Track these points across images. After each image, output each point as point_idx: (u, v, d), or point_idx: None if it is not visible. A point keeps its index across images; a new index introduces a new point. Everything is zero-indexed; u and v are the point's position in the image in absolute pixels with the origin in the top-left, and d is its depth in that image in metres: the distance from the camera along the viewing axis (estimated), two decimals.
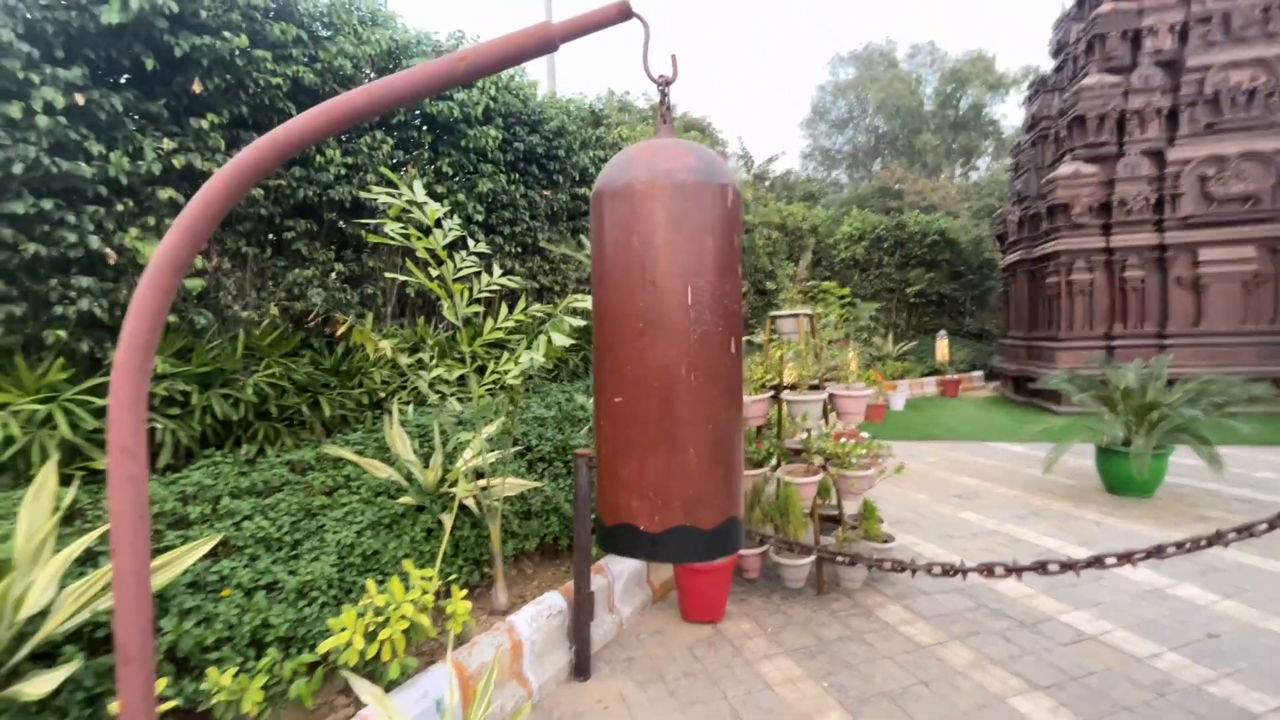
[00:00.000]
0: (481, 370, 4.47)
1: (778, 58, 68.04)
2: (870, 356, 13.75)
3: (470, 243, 3.66)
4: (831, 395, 4.09)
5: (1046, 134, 12.54)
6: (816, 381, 4.09)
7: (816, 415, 3.95)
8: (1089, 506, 5.58)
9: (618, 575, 3.57)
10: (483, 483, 3.38)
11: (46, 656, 2.15)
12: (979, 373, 15.56)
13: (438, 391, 3.64)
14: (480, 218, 5.34)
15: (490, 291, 3.45)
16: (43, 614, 2.15)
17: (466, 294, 3.27)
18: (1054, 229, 11.33)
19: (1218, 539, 2.26)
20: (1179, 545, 2.27)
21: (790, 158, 48.39)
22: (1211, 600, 3.71)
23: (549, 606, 3.08)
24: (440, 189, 5.07)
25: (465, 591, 2.90)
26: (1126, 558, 2.34)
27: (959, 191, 28.37)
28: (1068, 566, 2.40)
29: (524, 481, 3.56)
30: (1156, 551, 2.31)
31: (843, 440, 3.90)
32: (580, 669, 3.06)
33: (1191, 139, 10.41)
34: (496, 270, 3.65)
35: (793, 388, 4.03)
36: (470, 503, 3.36)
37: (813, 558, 3.75)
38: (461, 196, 5.14)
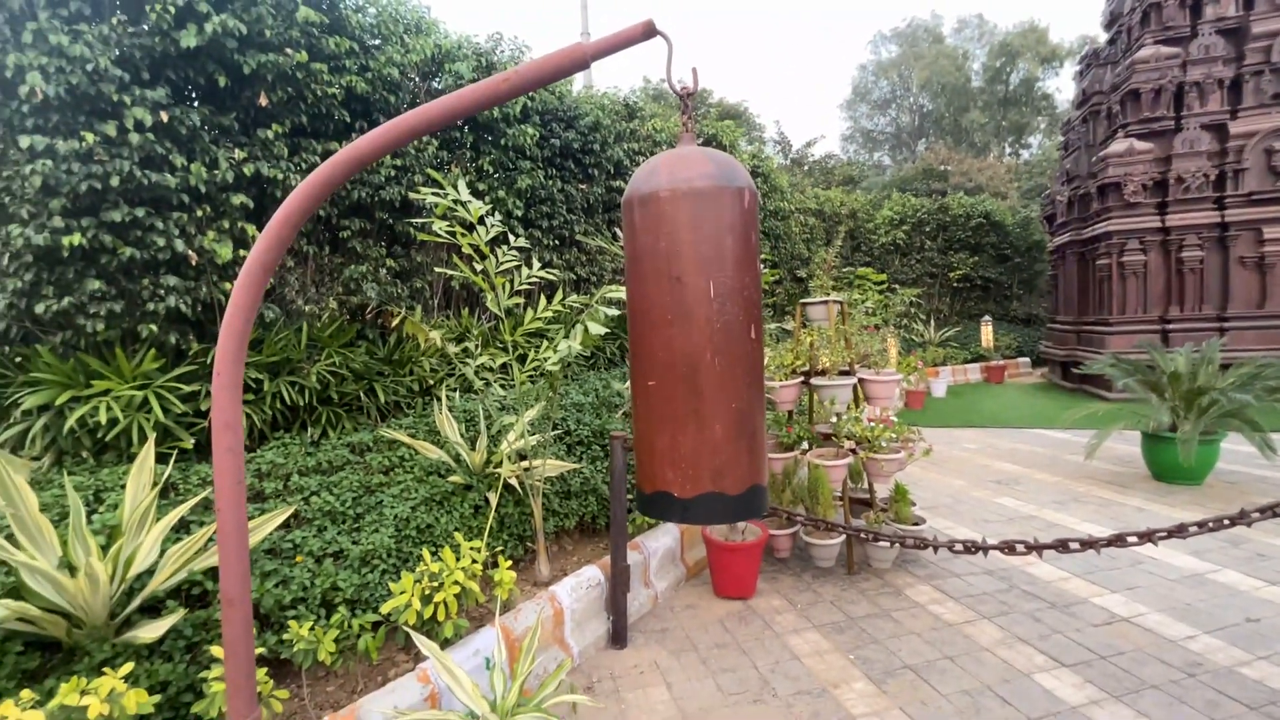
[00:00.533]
0: (523, 358, 4.70)
1: (818, 38, 66.40)
2: (911, 343, 13.53)
3: (511, 238, 3.88)
4: (861, 380, 4.16)
5: (1098, 110, 12.03)
6: (846, 367, 4.17)
7: (845, 400, 4.03)
8: (1133, 493, 5.49)
9: (653, 552, 3.76)
10: (525, 464, 3.61)
11: (152, 609, 2.47)
12: (1026, 358, 15.13)
13: (482, 379, 3.88)
14: (520, 213, 5.56)
15: (530, 284, 3.66)
16: (148, 573, 2.47)
17: (508, 286, 3.48)
18: (1105, 209, 10.91)
19: (1241, 518, 2.29)
20: (1200, 524, 2.31)
21: (830, 141, 47.36)
22: (1254, 586, 3.67)
23: (588, 579, 3.29)
24: (481, 186, 5.30)
25: (510, 563, 3.14)
26: (1147, 536, 2.39)
27: (1008, 171, 27.35)
28: (1088, 544, 2.47)
29: (563, 463, 3.78)
30: (1178, 530, 2.36)
31: (871, 424, 3.98)
32: (617, 638, 3.27)
33: (1257, 110, 9.85)
34: (535, 263, 3.85)
35: (822, 373, 4.13)
36: (514, 482, 3.59)
37: (842, 537, 3.86)
38: (502, 193, 5.37)
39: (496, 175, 5.45)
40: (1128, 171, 10.41)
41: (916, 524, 4.04)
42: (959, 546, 2.68)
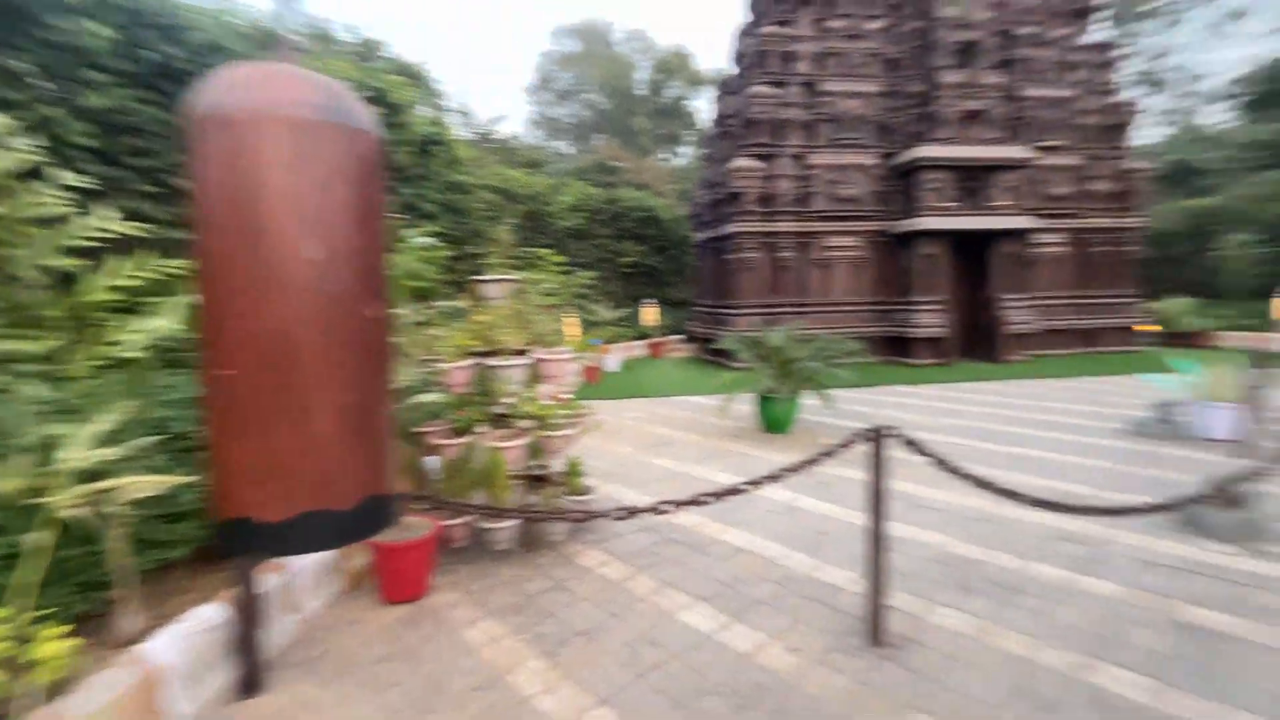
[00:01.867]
0: (99, 342, 3.46)
1: (509, 18, 66.01)
2: (590, 322, 14.61)
3: (65, 174, 2.76)
4: (537, 360, 4.19)
5: (728, 131, 14.62)
6: (522, 347, 4.15)
7: (521, 380, 4.01)
8: (747, 443, 6.83)
9: (300, 569, 3.18)
10: (98, 486, 2.65)
11: None
12: (679, 336, 17.78)
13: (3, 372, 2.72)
14: (89, 143, 4.07)
15: (97, 240, 2.67)
16: None
17: (53, 240, 2.46)
18: (731, 213, 13.38)
19: (814, 461, 2.94)
20: (792, 468, 2.90)
21: (516, 123, 47.92)
22: (821, 506, 4.87)
23: (201, 621, 2.58)
24: (14, 96, 3.70)
25: (71, 626, 2.27)
26: (755, 483, 2.90)
27: (667, 174, 31.56)
28: (717, 495, 2.88)
29: (166, 478, 2.88)
30: (777, 476, 2.91)
31: (544, 402, 4.05)
32: (250, 684, 2.66)
33: (822, 149, 13.20)
34: (113, 212, 2.83)
35: (498, 353, 4.03)
36: (78, 513, 2.60)
37: (513, 521, 3.85)
38: (51, 110, 3.83)
39: (44, 85, 3.87)
40: (746, 184, 12.89)
41: (585, 494, 4.28)
42: (617, 514, 2.87)
